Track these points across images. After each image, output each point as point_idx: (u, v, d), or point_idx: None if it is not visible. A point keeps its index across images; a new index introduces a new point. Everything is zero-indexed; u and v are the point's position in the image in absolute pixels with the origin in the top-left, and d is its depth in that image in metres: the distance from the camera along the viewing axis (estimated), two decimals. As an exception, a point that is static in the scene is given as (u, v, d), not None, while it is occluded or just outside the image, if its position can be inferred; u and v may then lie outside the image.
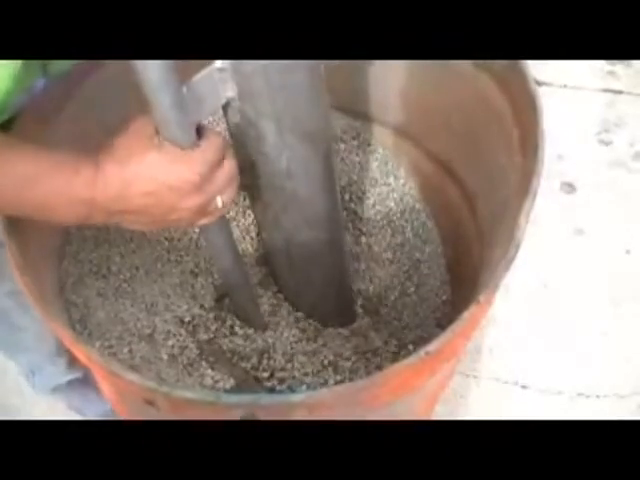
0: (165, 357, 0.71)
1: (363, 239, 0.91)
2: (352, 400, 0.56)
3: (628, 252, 1.34)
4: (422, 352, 0.54)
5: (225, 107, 0.60)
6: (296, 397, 0.52)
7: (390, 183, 0.96)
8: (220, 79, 0.55)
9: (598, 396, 1.18)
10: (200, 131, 0.54)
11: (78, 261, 0.77)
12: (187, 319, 0.75)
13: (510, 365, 1.24)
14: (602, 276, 1.31)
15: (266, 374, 0.75)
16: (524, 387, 1.22)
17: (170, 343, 0.73)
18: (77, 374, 0.95)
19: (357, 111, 0.98)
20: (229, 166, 0.56)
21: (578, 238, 1.36)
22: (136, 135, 0.53)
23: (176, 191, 0.53)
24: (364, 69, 0.91)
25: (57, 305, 0.72)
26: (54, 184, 0.53)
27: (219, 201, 0.57)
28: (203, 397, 0.53)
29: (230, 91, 0.56)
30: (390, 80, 0.90)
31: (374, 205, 0.94)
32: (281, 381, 0.75)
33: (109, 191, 0.53)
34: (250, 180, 0.69)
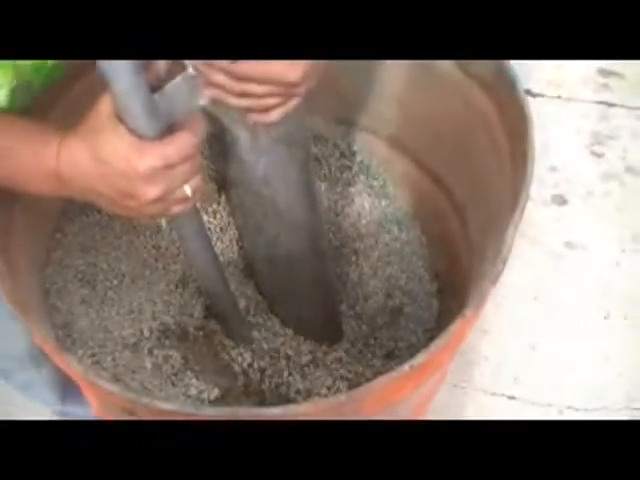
0: (149, 366, 0.71)
1: (355, 268, 0.90)
2: (335, 413, 0.55)
3: (619, 265, 1.34)
4: (406, 366, 0.54)
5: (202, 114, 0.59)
6: (276, 410, 0.52)
7: (389, 220, 0.96)
8: (193, 86, 0.55)
9: (587, 409, 1.18)
10: (173, 128, 0.54)
11: (63, 267, 0.77)
12: (173, 328, 0.75)
13: (499, 377, 1.23)
14: (593, 289, 1.31)
15: (251, 387, 0.74)
16: (512, 398, 1.22)
17: (155, 352, 0.72)
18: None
19: (348, 119, 0.98)
20: (193, 163, 0.55)
21: (569, 250, 1.36)
22: (100, 113, 0.52)
23: (127, 178, 0.53)
24: (354, 77, 0.91)
25: (40, 311, 0.71)
26: (24, 155, 0.54)
27: (187, 190, 0.56)
28: (183, 409, 0.52)
29: (203, 98, 0.56)
30: (381, 88, 0.90)
31: (371, 236, 0.94)
32: (264, 395, 0.74)
33: (72, 166, 0.54)
34: (229, 188, 0.69)
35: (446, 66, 0.81)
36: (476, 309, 0.59)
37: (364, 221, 0.93)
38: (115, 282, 0.77)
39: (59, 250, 0.78)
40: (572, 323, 1.26)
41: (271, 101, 0.58)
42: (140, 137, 0.52)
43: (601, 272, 1.32)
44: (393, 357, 0.83)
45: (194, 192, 0.57)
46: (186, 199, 0.57)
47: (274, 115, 0.59)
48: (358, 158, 0.96)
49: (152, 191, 0.54)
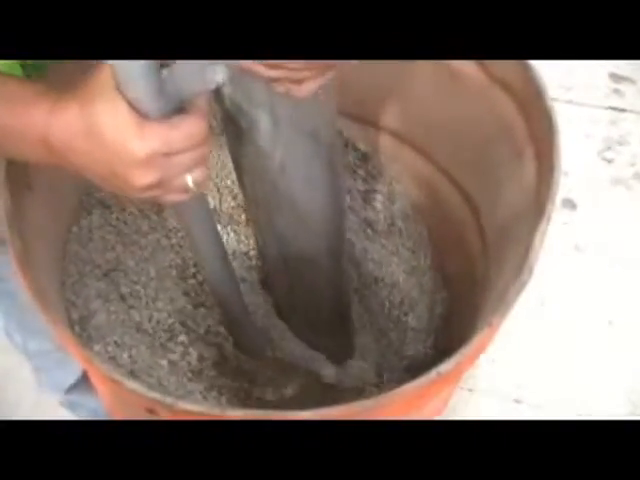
0: (166, 363, 0.70)
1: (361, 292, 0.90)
2: (362, 417, 0.55)
3: (626, 270, 1.34)
4: (434, 373, 0.53)
5: (216, 93, 0.54)
6: (305, 414, 0.51)
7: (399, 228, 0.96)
8: (210, 61, 0.48)
9: (591, 415, 1.18)
10: (181, 110, 0.48)
11: (79, 261, 0.75)
12: (193, 327, 0.74)
13: (505, 380, 1.23)
14: (600, 294, 1.31)
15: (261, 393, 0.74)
16: (518, 402, 1.22)
17: (172, 349, 0.71)
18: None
19: (366, 119, 0.97)
20: (200, 151, 0.49)
21: (577, 255, 1.36)
22: (100, 80, 0.46)
23: (121, 159, 0.47)
24: (375, 76, 0.90)
25: (57, 305, 0.70)
26: (12, 116, 0.49)
27: (189, 180, 0.50)
28: (209, 411, 0.52)
29: (220, 75, 0.49)
30: (402, 89, 0.90)
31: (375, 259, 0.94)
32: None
33: (62, 134, 0.48)
34: (241, 175, 0.64)
35: (470, 68, 0.80)
36: (502, 317, 0.59)
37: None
38: (136, 279, 0.75)
39: (75, 243, 0.77)
40: (578, 328, 1.27)
41: (305, 73, 0.52)
42: (142, 115, 0.46)
43: (608, 277, 1.32)
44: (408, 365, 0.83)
45: (196, 183, 0.51)
46: (186, 189, 0.51)
47: (307, 88, 0.53)
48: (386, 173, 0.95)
49: (147, 177, 0.48)
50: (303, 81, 0.53)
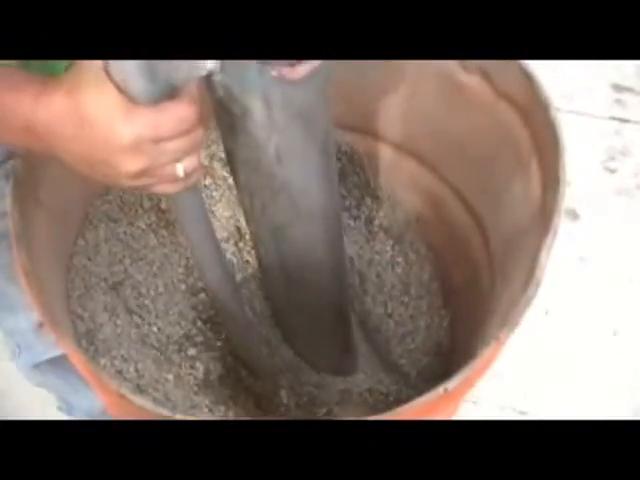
0: (172, 377, 0.70)
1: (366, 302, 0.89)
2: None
3: (630, 281, 1.34)
4: (441, 389, 0.54)
5: (208, 79, 0.53)
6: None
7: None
8: None
9: (596, 426, 1.18)
10: (174, 94, 0.47)
11: (86, 274, 0.76)
12: (201, 342, 0.74)
13: (509, 391, 1.23)
14: (604, 304, 1.31)
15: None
16: (522, 413, 1.22)
17: (179, 363, 0.71)
18: (59, 351, 0.86)
19: (369, 130, 0.97)
20: (190, 139, 0.48)
21: (580, 265, 1.36)
22: (89, 64, 0.46)
23: (107, 143, 0.46)
24: (378, 89, 0.91)
25: (64, 318, 0.70)
26: None
27: (179, 169, 0.49)
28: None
29: (212, 61, 0.48)
30: (405, 102, 0.90)
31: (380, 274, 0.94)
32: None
33: (48, 119, 0.47)
34: (235, 165, 0.63)
35: (475, 82, 0.80)
36: (509, 332, 0.59)
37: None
38: (144, 292, 0.76)
39: (81, 256, 0.77)
40: (582, 339, 1.26)
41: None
42: (130, 100, 0.45)
43: (612, 287, 1.32)
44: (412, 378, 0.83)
45: (188, 173, 0.50)
46: (177, 179, 0.50)
47: (301, 69, 0.52)
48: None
49: (134, 164, 0.47)
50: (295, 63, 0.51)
